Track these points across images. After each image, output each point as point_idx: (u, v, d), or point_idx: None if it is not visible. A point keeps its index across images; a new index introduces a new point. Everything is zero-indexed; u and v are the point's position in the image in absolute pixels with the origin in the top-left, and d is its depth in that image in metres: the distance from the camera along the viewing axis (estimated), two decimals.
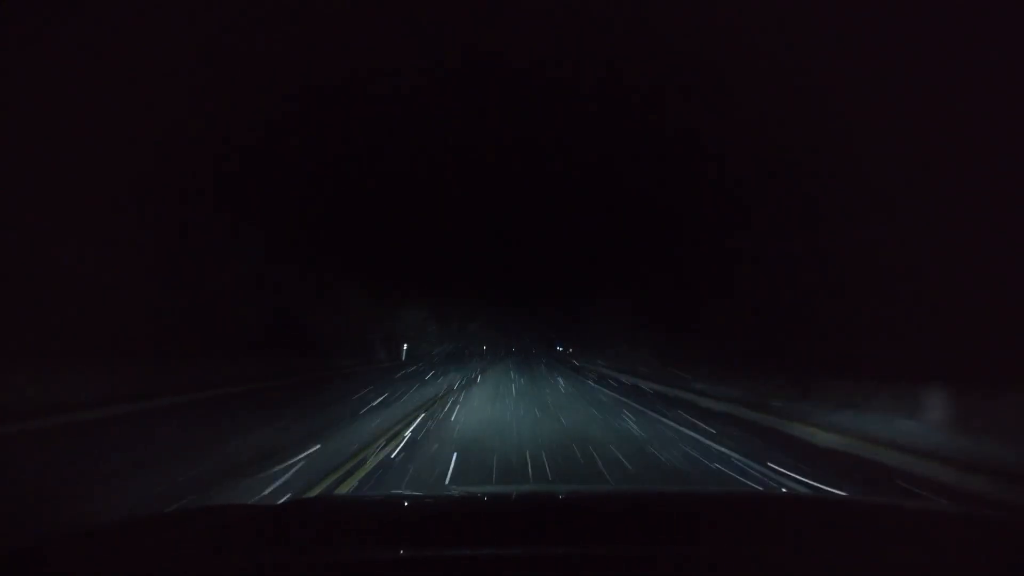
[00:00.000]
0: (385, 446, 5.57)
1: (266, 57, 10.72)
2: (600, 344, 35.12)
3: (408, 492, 3.25)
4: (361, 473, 4.43)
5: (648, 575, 0.96)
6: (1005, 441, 5.25)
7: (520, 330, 76.64)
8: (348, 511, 1.54)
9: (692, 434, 6.86)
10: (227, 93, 10.46)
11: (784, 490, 4.20)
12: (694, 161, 14.23)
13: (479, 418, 7.98)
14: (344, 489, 3.98)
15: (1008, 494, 4.20)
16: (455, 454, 5.27)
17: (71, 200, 8.20)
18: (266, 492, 3.75)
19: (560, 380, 17.24)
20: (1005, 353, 5.81)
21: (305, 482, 4.06)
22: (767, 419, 8.22)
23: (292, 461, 4.65)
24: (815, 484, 4.46)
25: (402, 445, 5.69)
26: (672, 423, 7.87)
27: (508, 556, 1.02)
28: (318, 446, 5.30)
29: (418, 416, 7.80)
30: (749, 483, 4.54)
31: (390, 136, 17.99)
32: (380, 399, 9.65)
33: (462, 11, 11.95)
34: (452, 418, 7.94)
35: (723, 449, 5.89)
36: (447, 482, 4.37)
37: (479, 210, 31.65)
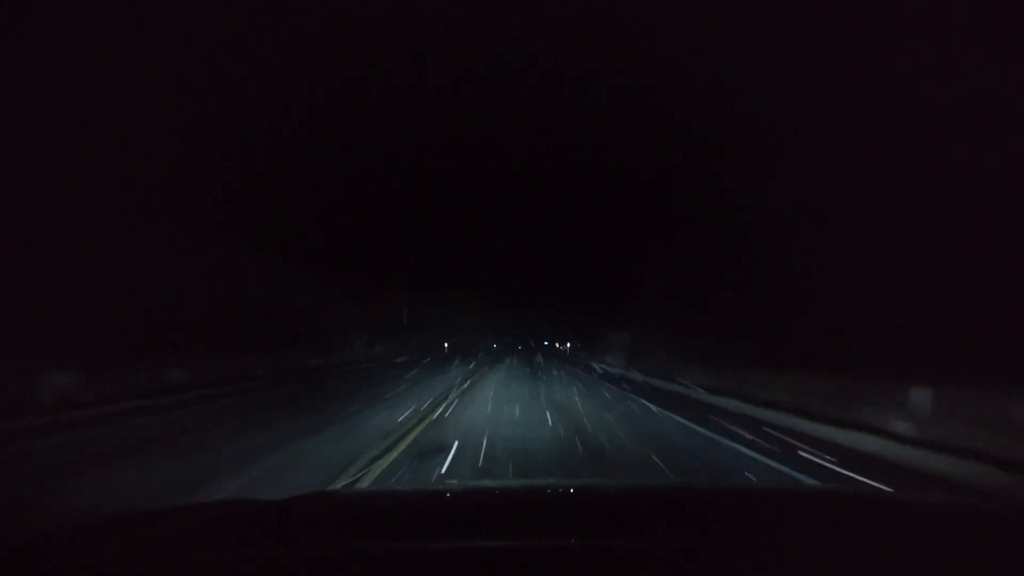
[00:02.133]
0: None
1: (258, 64, 10.88)
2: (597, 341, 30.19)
3: (406, 487, 3.24)
4: None
5: (647, 568, 0.96)
6: None
7: (506, 328, 67.92)
8: (347, 506, 1.53)
9: None
10: (225, 93, 10.57)
11: (791, 485, 4.20)
12: (698, 157, 14.25)
13: None
14: None
15: None
16: None
17: (60, 199, 8.26)
18: None
19: None
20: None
21: None
22: None
23: None
24: None
25: None
26: None
27: (508, 548, 1.01)
28: None
29: None
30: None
31: (393, 136, 18.00)
32: None
33: (468, 15, 12.01)
34: None
35: None
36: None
37: (469, 208, 30.43)
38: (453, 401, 9.96)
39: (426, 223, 29.62)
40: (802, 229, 10.08)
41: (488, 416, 8.12)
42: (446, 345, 38.70)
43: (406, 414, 8.03)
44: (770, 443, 6.25)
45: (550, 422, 7.58)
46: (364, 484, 4.33)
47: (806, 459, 5.50)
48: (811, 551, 1.00)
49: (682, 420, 8.07)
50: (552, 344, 59.10)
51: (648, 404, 9.96)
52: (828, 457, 5.49)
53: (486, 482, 3.40)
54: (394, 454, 5.36)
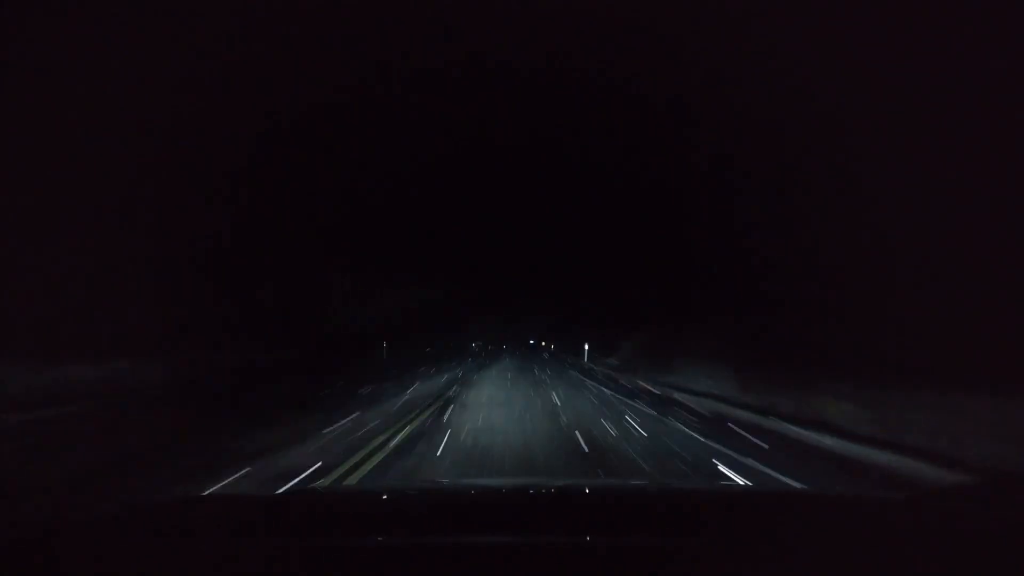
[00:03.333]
0: None
1: (256, 61, 11.02)
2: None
3: (399, 483, 3.24)
4: None
5: (648, 568, 0.95)
6: None
7: (497, 326, 63.32)
8: (339, 501, 1.54)
9: None
10: (233, 94, 10.72)
11: (781, 486, 4.19)
12: (696, 158, 14.18)
13: None
14: None
15: None
16: None
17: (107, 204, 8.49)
18: None
19: None
20: None
21: None
22: None
23: None
24: None
25: None
26: None
27: (497, 544, 1.02)
28: None
29: None
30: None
31: (390, 137, 18.00)
32: None
33: (458, 16, 12.04)
34: None
35: None
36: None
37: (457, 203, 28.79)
38: None
39: (399, 216, 26.24)
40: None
41: None
42: (384, 346, 24.91)
43: None
44: None
45: None
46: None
47: None
48: (809, 552, 1.00)
49: None
50: (540, 343, 52.45)
51: None
52: None
53: (480, 479, 3.39)
54: None
